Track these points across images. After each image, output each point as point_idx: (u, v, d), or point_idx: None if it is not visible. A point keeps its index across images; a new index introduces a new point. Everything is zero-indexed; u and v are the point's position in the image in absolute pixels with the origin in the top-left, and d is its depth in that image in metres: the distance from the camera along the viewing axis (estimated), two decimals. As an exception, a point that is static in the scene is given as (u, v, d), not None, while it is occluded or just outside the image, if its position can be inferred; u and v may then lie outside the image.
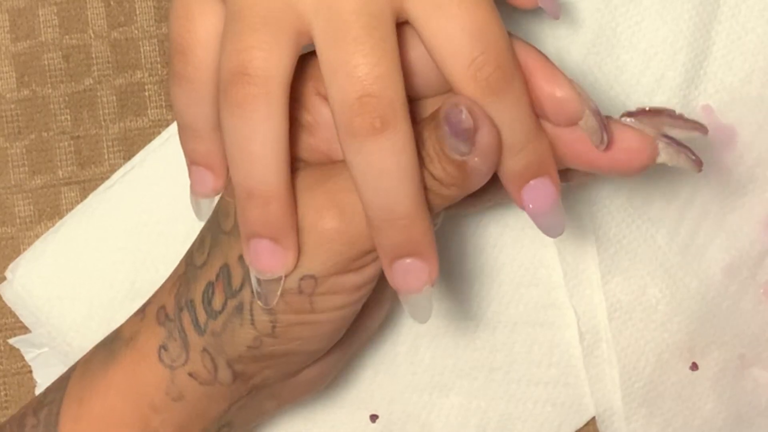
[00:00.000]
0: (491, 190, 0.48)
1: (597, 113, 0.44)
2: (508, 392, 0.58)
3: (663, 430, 0.57)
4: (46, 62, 0.59)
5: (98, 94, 0.59)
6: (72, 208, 0.58)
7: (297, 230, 0.45)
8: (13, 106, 0.59)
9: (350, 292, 0.46)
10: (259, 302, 0.46)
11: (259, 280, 0.45)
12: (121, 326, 0.51)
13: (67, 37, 0.59)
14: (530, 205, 0.45)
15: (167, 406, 0.48)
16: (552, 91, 0.44)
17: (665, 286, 0.57)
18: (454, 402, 0.58)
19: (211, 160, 0.48)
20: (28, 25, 0.59)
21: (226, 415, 0.50)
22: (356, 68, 0.42)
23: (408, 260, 0.45)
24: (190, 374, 0.48)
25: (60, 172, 0.59)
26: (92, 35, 0.59)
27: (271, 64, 0.43)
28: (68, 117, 0.59)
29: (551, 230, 0.46)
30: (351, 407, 0.58)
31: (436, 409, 0.58)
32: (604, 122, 0.44)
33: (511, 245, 0.58)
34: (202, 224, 0.50)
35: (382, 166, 0.42)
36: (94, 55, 0.59)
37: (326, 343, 0.48)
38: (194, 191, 0.49)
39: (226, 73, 0.44)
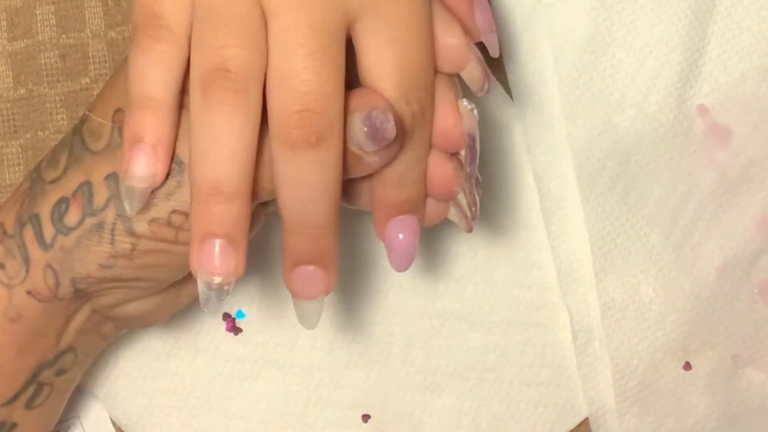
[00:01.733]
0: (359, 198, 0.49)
1: (482, 62, 0.46)
2: (500, 393, 0.58)
3: (656, 429, 0.56)
4: (43, 61, 0.59)
5: (95, 93, 0.59)
6: (66, 207, 0.58)
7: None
8: (9, 105, 0.59)
9: None
10: (203, 308, 0.46)
11: (208, 284, 0.45)
12: None
13: (64, 36, 0.59)
14: (390, 239, 0.47)
15: (4, 328, 0.48)
16: (444, 38, 0.46)
17: (659, 285, 0.57)
18: (446, 402, 0.58)
19: (158, 137, 0.46)
20: (26, 24, 0.59)
21: (64, 336, 0.49)
22: (303, 83, 0.43)
23: (310, 267, 0.46)
24: (29, 292, 0.48)
25: (55, 172, 0.59)
26: (89, 34, 0.59)
27: (250, 63, 0.44)
28: (64, 116, 0.59)
29: (401, 264, 0.48)
30: (343, 407, 0.58)
31: (429, 409, 0.58)
32: (487, 71, 0.47)
33: (504, 246, 0.58)
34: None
35: (308, 177, 0.43)
36: (91, 55, 0.59)
37: (175, 275, 0.49)
38: (130, 174, 0.46)
39: (203, 69, 0.44)
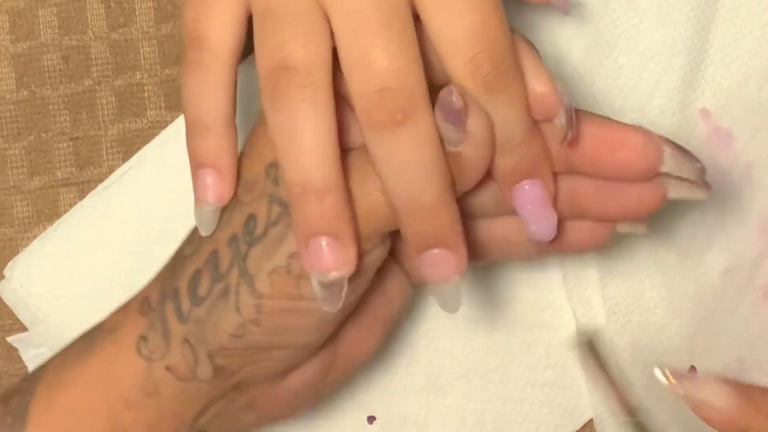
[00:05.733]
0: (490, 248, 0.49)
1: (569, 109, 0.45)
2: (504, 394, 0.58)
3: (660, 432, 0.57)
4: (45, 63, 0.59)
5: (97, 95, 0.59)
6: (70, 210, 0.58)
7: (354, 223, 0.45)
8: (12, 107, 0.59)
9: None
10: (324, 308, 0.45)
11: (321, 283, 0.45)
12: (104, 319, 0.50)
13: (66, 38, 0.59)
14: (520, 207, 0.46)
15: (140, 403, 0.48)
16: (533, 87, 0.45)
17: (663, 289, 0.57)
18: (450, 403, 0.58)
19: (219, 160, 0.47)
20: (28, 26, 0.59)
21: (200, 419, 0.49)
22: (375, 62, 0.42)
23: (435, 250, 0.45)
24: (168, 368, 0.47)
25: (59, 174, 0.59)
26: (92, 36, 0.59)
27: (311, 56, 0.43)
28: (67, 118, 0.59)
29: (540, 233, 0.46)
30: (348, 409, 0.58)
31: (433, 410, 0.58)
32: (574, 120, 0.45)
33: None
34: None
35: (405, 158, 0.43)
36: (93, 56, 0.59)
37: (312, 338, 0.48)
38: (199, 199, 0.47)
39: (266, 70, 0.44)
